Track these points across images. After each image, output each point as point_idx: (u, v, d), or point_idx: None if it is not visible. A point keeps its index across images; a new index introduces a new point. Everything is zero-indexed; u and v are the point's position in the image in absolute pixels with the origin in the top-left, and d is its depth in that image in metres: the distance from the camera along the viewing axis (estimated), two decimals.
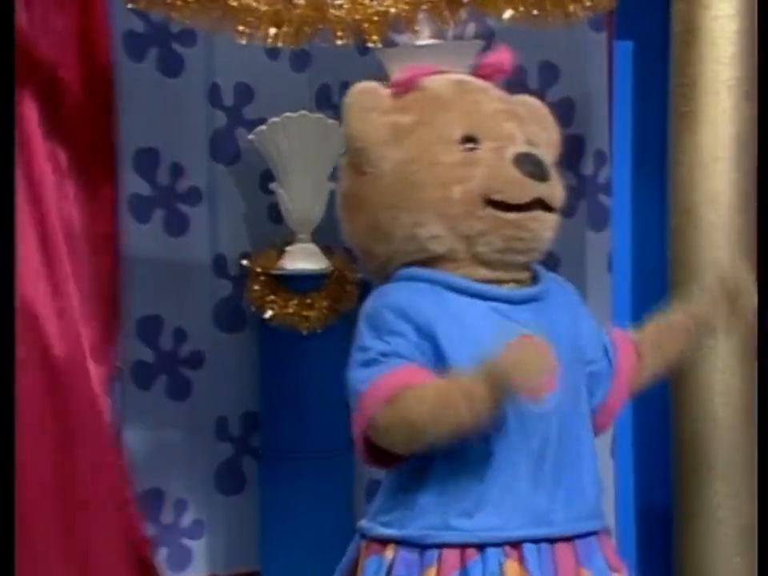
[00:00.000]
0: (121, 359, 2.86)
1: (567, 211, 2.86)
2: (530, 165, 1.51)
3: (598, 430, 1.64)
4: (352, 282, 3.15)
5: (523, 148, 1.54)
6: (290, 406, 3.14)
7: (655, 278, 2.49)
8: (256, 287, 3.13)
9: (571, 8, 2.17)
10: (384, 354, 1.49)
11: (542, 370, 1.37)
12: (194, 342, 3.24)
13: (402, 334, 1.48)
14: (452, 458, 1.49)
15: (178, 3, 2.16)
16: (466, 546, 1.48)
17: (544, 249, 1.61)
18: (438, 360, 1.48)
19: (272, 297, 3.11)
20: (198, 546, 3.26)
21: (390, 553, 1.56)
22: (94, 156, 2.64)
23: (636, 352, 1.65)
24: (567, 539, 1.52)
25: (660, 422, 2.37)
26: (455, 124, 1.55)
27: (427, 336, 1.49)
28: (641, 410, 2.53)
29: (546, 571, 1.49)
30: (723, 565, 2.29)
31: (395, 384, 1.46)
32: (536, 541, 1.49)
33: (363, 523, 1.63)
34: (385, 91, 1.64)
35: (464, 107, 1.57)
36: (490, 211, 1.52)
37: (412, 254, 1.58)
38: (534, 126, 1.62)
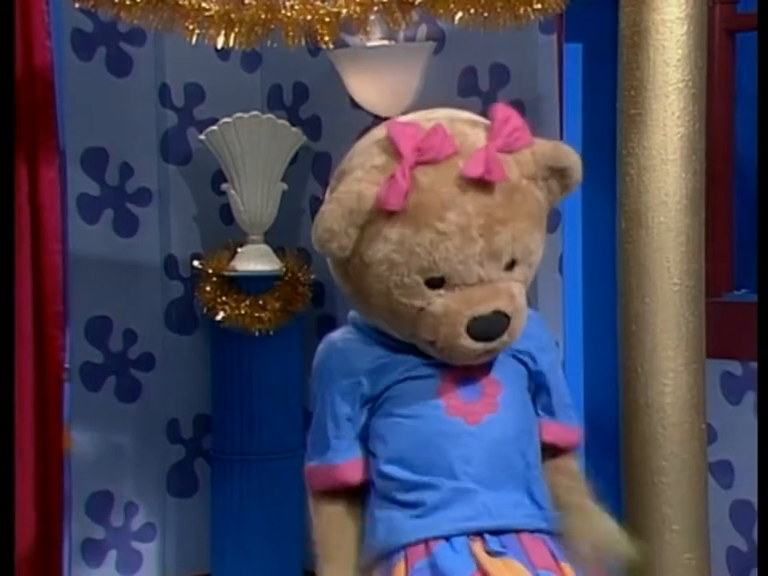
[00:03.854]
0: (69, 360, 2.83)
1: None
2: (484, 332, 1.54)
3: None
4: (304, 283, 3.15)
5: (485, 304, 1.53)
6: (242, 408, 3.13)
7: (605, 279, 2.50)
8: (207, 288, 3.11)
9: (521, 10, 2.18)
10: (333, 438, 1.65)
11: None
12: (144, 343, 3.22)
13: (337, 403, 1.63)
14: (396, 469, 1.60)
15: (127, 2, 2.14)
16: (427, 540, 1.58)
17: None
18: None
19: (224, 298, 3.09)
20: (148, 549, 3.24)
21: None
22: (36, 155, 2.61)
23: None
24: (530, 532, 1.60)
25: (611, 425, 2.39)
26: (422, 270, 1.54)
27: (364, 380, 1.62)
28: (592, 414, 2.55)
29: (516, 552, 1.58)
30: (673, 560, 2.31)
31: (313, 486, 1.68)
32: (496, 532, 1.59)
33: None
34: (369, 200, 1.53)
35: (438, 253, 1.52)
36: (437, 350, 1.58)
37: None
38: (520, 238, 1.57)
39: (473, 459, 1.59)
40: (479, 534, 1.58)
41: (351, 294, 1.62)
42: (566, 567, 1.60)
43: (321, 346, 1.66)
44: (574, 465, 1.73)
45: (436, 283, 1.54)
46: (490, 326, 1.54)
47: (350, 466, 1.64)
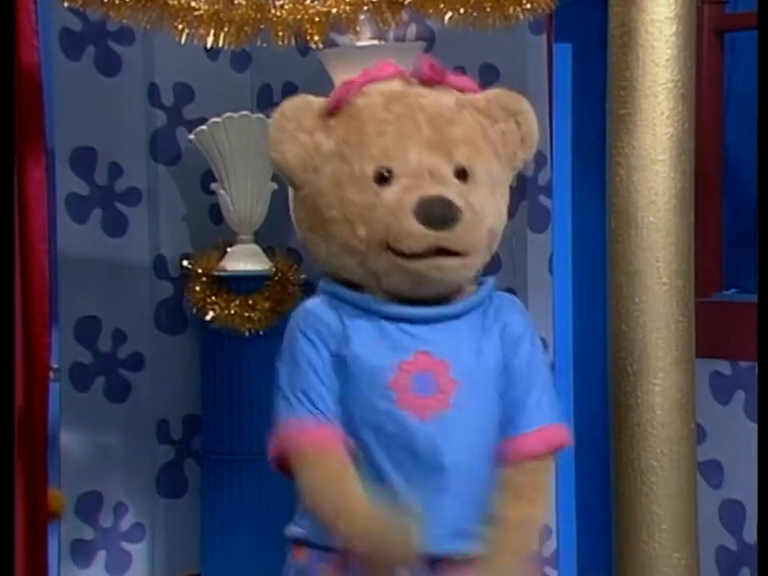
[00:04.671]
0: (58, 360, 2.82)
1: (508, 212, 2.90)
2: (430, 214, 1.53)
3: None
4: (294, 282, 3.14)
5: (432, 190, 1.55)
6: (231, 408, 3.12)
7: (595, 279, 2.50)
8: (197, 288, 3.10)
9: (511, 10, 2.18)
10: (303, 393, 1.62)
11: (399, 554, 1.48)
12: (133, 343, 3.21)
13: (315, 355, 1.64)
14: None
15: (116, 2, 2.13)
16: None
17: (461, 285, 1.63)
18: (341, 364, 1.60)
19: (213, 298, 3.09)
20: (137, 550, 3.23)
21: (302, 559, 1.67)
22: (23, 155, 2.60)
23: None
24: (463, 562, 1.56)
25: (600, 424, 2.40)
26: (370, 159, 1.58)
27: (335, 347, 1.61)
28: (582, 414, 2.55)
29: None
30: (662, 560, 2.32)
31: (307, 442, 1.58)
32: None
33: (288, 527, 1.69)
34: (316, 105, 1.63)
35: (384, 139, 1.58)
36: (391, 256, 1.56)
37: (331, 274, 1.65)
38: (471, 145, 1.61)
39: (416, 455, 1.55)
40: None
41: (311, 224, 1.62)
42: None
43: (294, 312, 1.68)
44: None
45: (386, 180, 1.57)
46: (436, 209, 1.54)
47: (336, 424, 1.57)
